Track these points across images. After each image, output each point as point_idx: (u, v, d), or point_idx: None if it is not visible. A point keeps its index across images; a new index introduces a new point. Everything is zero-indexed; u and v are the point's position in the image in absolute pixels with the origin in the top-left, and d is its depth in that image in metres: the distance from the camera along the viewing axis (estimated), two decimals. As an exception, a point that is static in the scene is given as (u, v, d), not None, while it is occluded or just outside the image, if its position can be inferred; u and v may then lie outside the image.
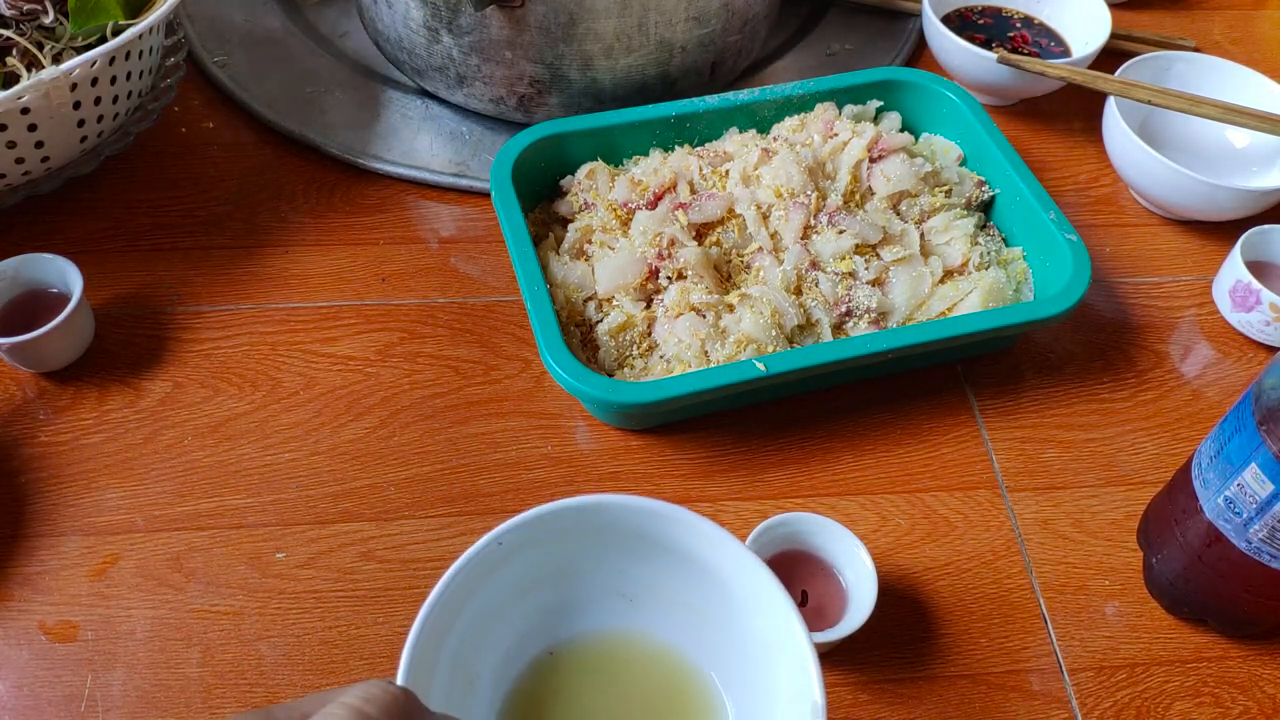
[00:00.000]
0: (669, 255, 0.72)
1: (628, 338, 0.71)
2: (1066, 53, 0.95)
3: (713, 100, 0.80)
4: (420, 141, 0.87)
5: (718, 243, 0.74)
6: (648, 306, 0.72)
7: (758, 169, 0.76)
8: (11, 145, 0.71)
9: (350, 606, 0.62)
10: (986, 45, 0.93)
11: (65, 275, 0.71)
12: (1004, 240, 0.79)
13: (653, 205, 0.75)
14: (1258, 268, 0.79)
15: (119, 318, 0.75)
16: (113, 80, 0.74)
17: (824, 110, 0.81)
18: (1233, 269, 0.78)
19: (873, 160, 0.78)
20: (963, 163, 0.82)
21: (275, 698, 0.59)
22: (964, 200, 0.79)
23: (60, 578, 0.63)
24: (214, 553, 0.64)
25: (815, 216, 0.74)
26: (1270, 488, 0.53)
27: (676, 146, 0.81)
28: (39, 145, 0.73)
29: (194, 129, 0.88)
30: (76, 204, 0.81)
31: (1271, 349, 0.79)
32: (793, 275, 0.72)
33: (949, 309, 0.72)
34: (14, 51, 0.72)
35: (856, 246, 0.73)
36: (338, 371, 0.73)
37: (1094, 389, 0.76)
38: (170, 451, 0.68)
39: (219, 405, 0.71)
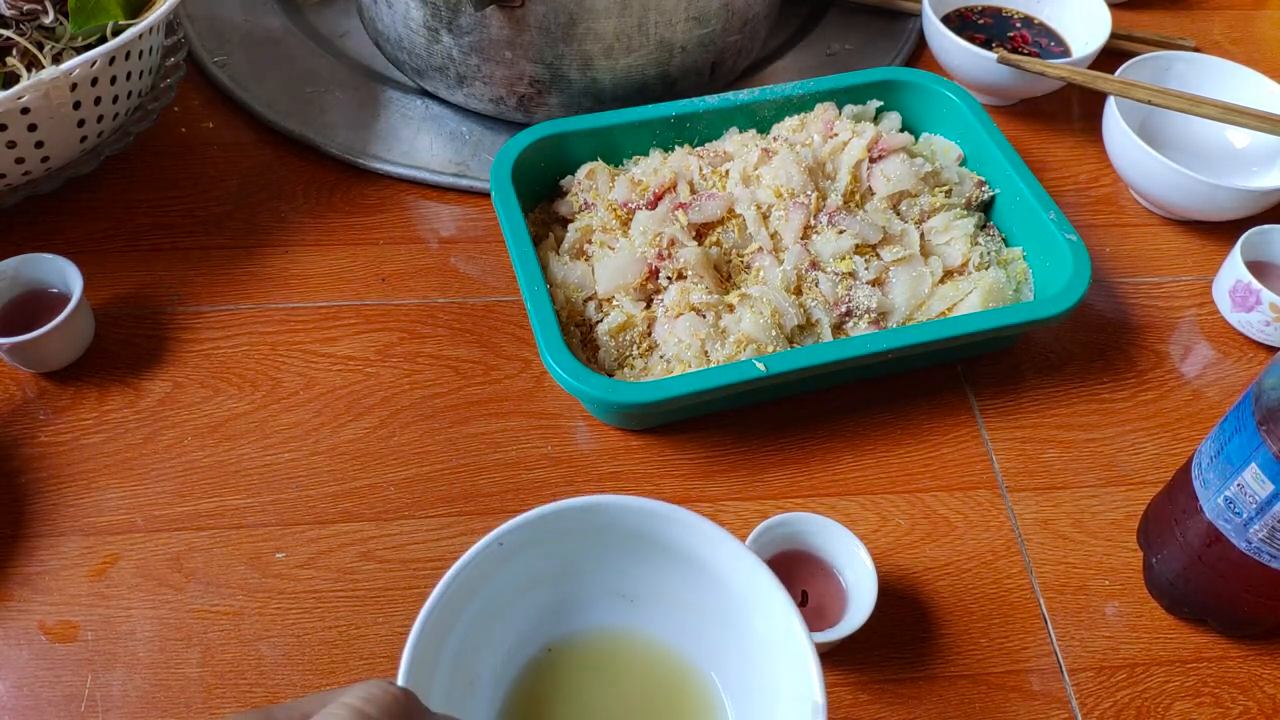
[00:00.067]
0: (669, 255, 0.72)
1: (628, 338, 0.71)
2: (1066, 53, 0.95)
3: (713, 100, 0.80)
4: (420, 141, 0.87)
5: (718, 243, 0.74)
6: (648, 306, 0.72)
7: (758, 169, 0.76)
8: (11, 145, 0.71)
9: (350, 606, 0.62)
10: (986, 45, 0.93)
11: (65, 275, 0.71)
12: (1004, 240, 0.79)
13: (653, 205, 0.75)
14: (1258, 268, 0.79)
15: (119, 318, 0.75)
16: (113, 80, 0.74)
17: (824, 110, 0.81)
18: (1233, 269, 0.78)
19: (873, 160, 0.78)
20: (963, 163, 0.82)
21: (275, 698, 0.59)
22: (964, 200, 0.79)
23: (60, 578, 0.63)
24: (214, 553, 0.64)
25: (815, 216, 0.74)
26: (1270, 488, 0.53)
27: (676, 146, 0.81)
28: (39, 145, 0.73)
29: (194, 129, 0.88)
30: (76, 204, 0.81)
31: (1271, 349, 0.79)
32: (793, 275, 0.72)
33: (949, 309, 0.72)
34: (14, 51, 0.72)
35: (856, 246, 0.73)
36: (338, 371, 0.73)
37: (1094, 389, 0.76)
38: (170, 451, 0.68)
39: (219, 405, 0.71)
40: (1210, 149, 0.90)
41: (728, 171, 0.77)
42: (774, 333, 0.69)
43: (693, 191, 0.75)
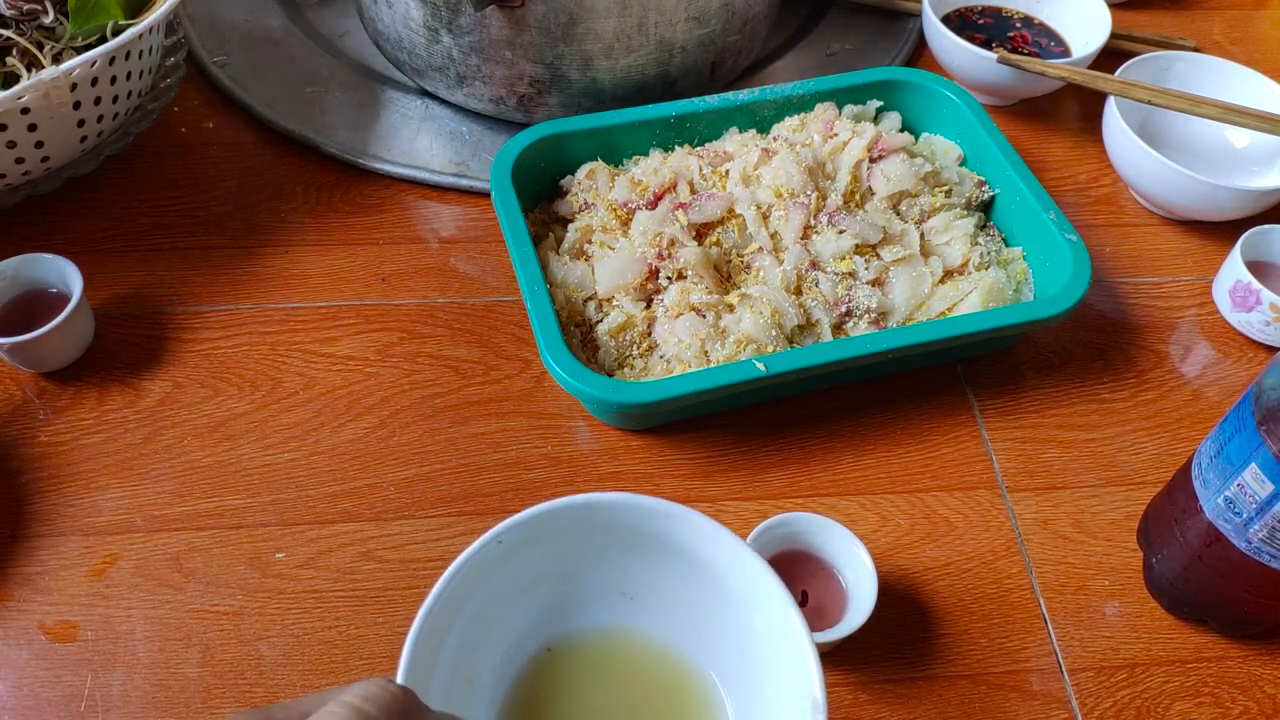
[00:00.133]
0: (669, 255, 0.72)
1: (628, 338, 0.71)
2: (1066, 53, 0.95)
3: (713, 100, 0.80)
4: (420, 141, 0.87)
5: (718, 243, 0.74)
6: (648, 306, 0.72)
7: (758, 169, 0.76)
8: (11, 145, 0.71)
9: (350, 606, 0.62)
10: (986, 45, 0.93)
11: (65, 275, 0.71)
12: (1004, 240, 0.79)
13: (653, 205, 0.75)
14: (1258, 268, 0.79)
15: (119, 318, 0.75)
16: (113, 80, 0.74)
17: (824, 110, 0.81)
18: (1233, 269, 0.78)
19: (873, 160, 0.78)
20: (963, 163, 0.82)
21: (275, 698, 0.59)
22: (964, 200, 0.79)
23: (60, 578, 0.62)
24: (214, 553, 0.64)
25: (815, 216, 0.74)
26: (1270, 488, 0.53)
27: (676, 146, 0.81)
28: (39, 145, 0.73)
29: (194, 129, 0.88)
30: (76, 204, 0.81)
31: (1271, 349, 0.79)
32: (793, 275, 0.72)
33: (949, 309, 0.72)
34: (14, 51, 0.72)
35: (856, 246, 0.73)
36: (337, 371, 0.73)
37: (1094, 389, 0.76)
38: (170, 451, 0.68)
39: (219, 405, 0.71)
40: (1210, 149, 0.90)
41: (728, 171, 0.77)
42: (774, 333, 0.69)
43: (693, 191, 0.75)
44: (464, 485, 0.68)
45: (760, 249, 0.73)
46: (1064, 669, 0.62)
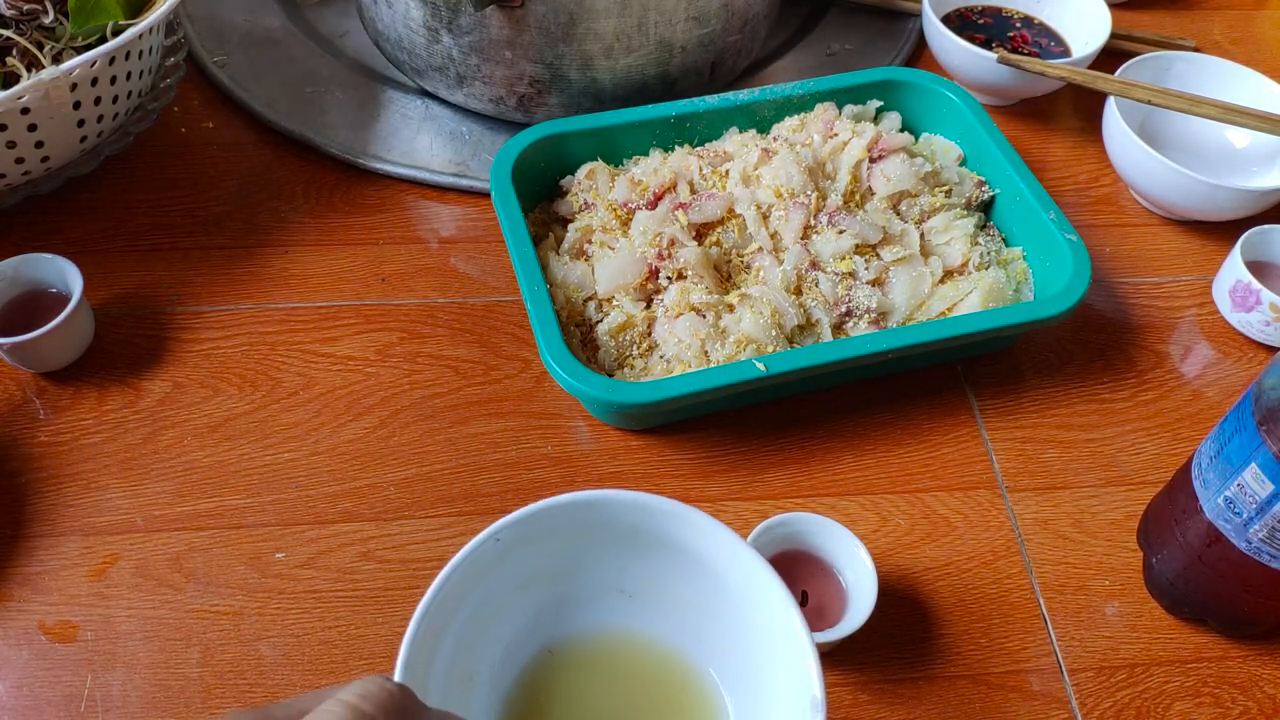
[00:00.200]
0: (669, 255, 0.72)
1: (628, 338, 0.71)
2: (1066, 53, 0.95)
3: (713, 100, 0.80)
4: (420, 141, 0.87)
5: (718, 243, 0.74)
6: (648, 306, 0.72)
7: (758, 169, 0.76)
8: (11, 145, 0.71)
9: (350, 606, 0.62)
10: (986, 45, 0.93)
11: (65, 275, 0.71)
12: (1004, 240, 0.79)
13: (653, 205, 0.75)
14: (1258, 268, 0.79)
15: (119, 318, 0.75)
16: (113, 80, 0.74)
17: (824, 110, 0.81)
18: (1233, 269, 0.78)
19: (873, 160, 0.78)
20: (963, 163, 0.82)
21: (275, 698, 0.59)
22: (964, 200, 0.79)
23: (60, 578, 0.62)
24: (214, 553, 0.64)
25: (815, 216, 0.74)
26: (1270, 488, 0.53)
27: (676, 146, 0.81)
28: (39, 145, 0.73)
29: (194, 129, 0.88)
30: (76, 204, 0.81)
31: (1271, 349, 0.79)
32: (793, 275, 0.72)
33: (949, 309, 0.72)
34: (14, 51, 0.72)
35: (856, 246, 0.73)
36: (337, 371, 0.73)
37: (1094, 389, 0.76)
38: (170, 451, 0.68)
39: (219, 405, 0.71)
40: (1210, 149, 0.90)
41: (728, 171, 0.77)
42: (774, 333, 0.69)
43: (693, 191, 0.75)
44: (464, 485, 0.68)
45: (760, 249, 0.73)
46: (1064, 669, 0.62)
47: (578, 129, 0.78)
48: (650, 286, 0.72)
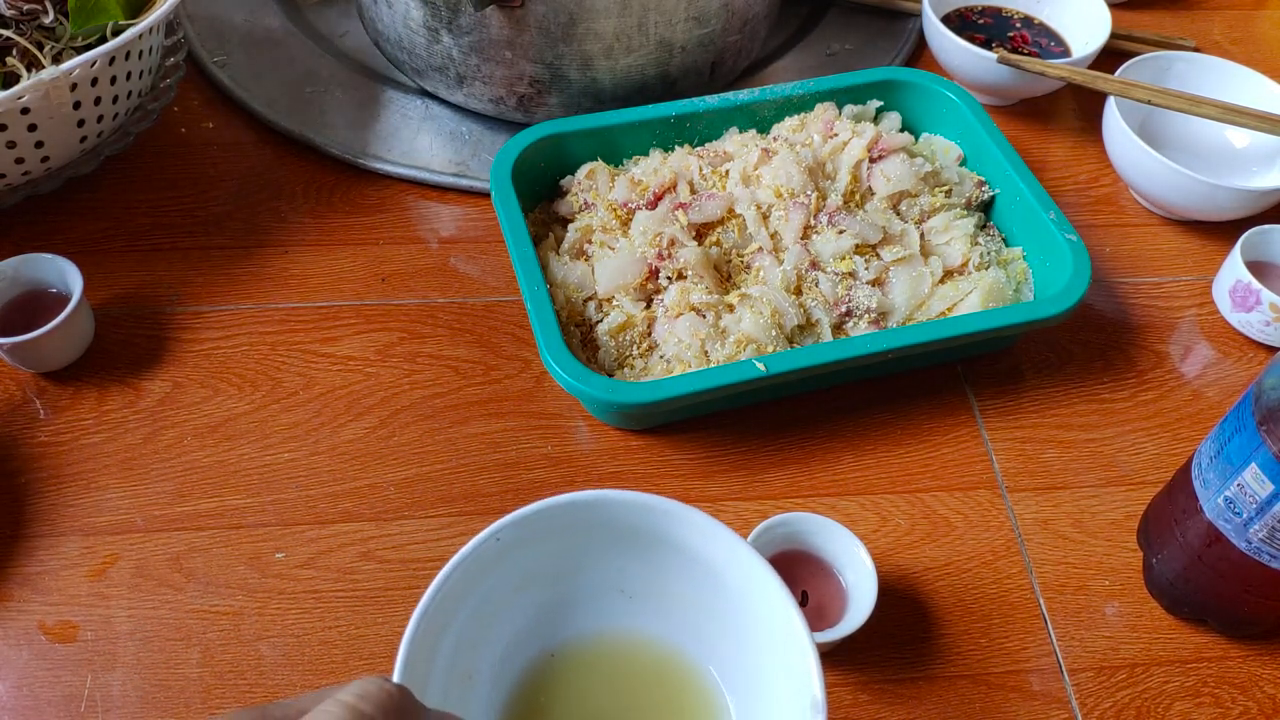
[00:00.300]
0: (669, 255, 0.72)
1: (628, 338, 0.71)
2: (1066, 53, 0.95)
3: (713, 100, 0.80)
4: (420, 141, 0.87)
5: (718, 243, 0.74)
6: (648, 306, 0.72)
7: (758, 169, 0.76)
8: (11, 145, 0.71)
9: (350, 606, 0.62)
10: (986, 45, 0.93)
11: (65, 275, 0.71)
12: (1004, 240, 0.79)
13: (653, 205, 0.75)
14: (1258, 268, 0.79)
15: (119, 318, 0.75)
16: (113, 80, 0.74)
17: (824, 110, 0.81)
18: (1233, 269, 0.78)
19: (873, 160, 0.78)
20: (963, 163, 0.82)
21: (275, 698, 0.59)
22: (964, 200, 0.79)
23: (60, 578, 0.63)
24: (214, 553, 0.64)
25: (815, 216, 0.74)
26: (1270, 488, 0.53)
27: (676, 146, 0.81)
28: (39, 145, 0.73)
29: (194, 129, 0.88)
30: (76, 204, 0.81)
31: (1271, 349, 0.79)
32: (793, 275, 0.72)
33: (949, 309, 0.72)
34: (14, 51, 0.72)
35: (856, 246, 0.73)
36: (337, 371, 0.73)
37: (1094, 389, 0.75)
38: (170, 451, 0.68)
39: (219, 405, 0.71)
40: (1210, 149, 0.90)
41: (728, 171, 0.77)
42: (774, 333, 0.69)
43: (693, 191, 0.75)
44: (464, 485, 0.68)
45: (760, 249, 0.73)
46: (1064, 669, 0.62)
47: (578, 129, 0.78)
48: (650, 286, 0.72)
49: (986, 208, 0.81)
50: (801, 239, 0.73)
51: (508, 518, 0.46)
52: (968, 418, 0.73)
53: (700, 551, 0.48)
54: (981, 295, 0.72)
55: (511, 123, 0.88)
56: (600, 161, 0.78)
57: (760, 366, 0.65)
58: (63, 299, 0.70)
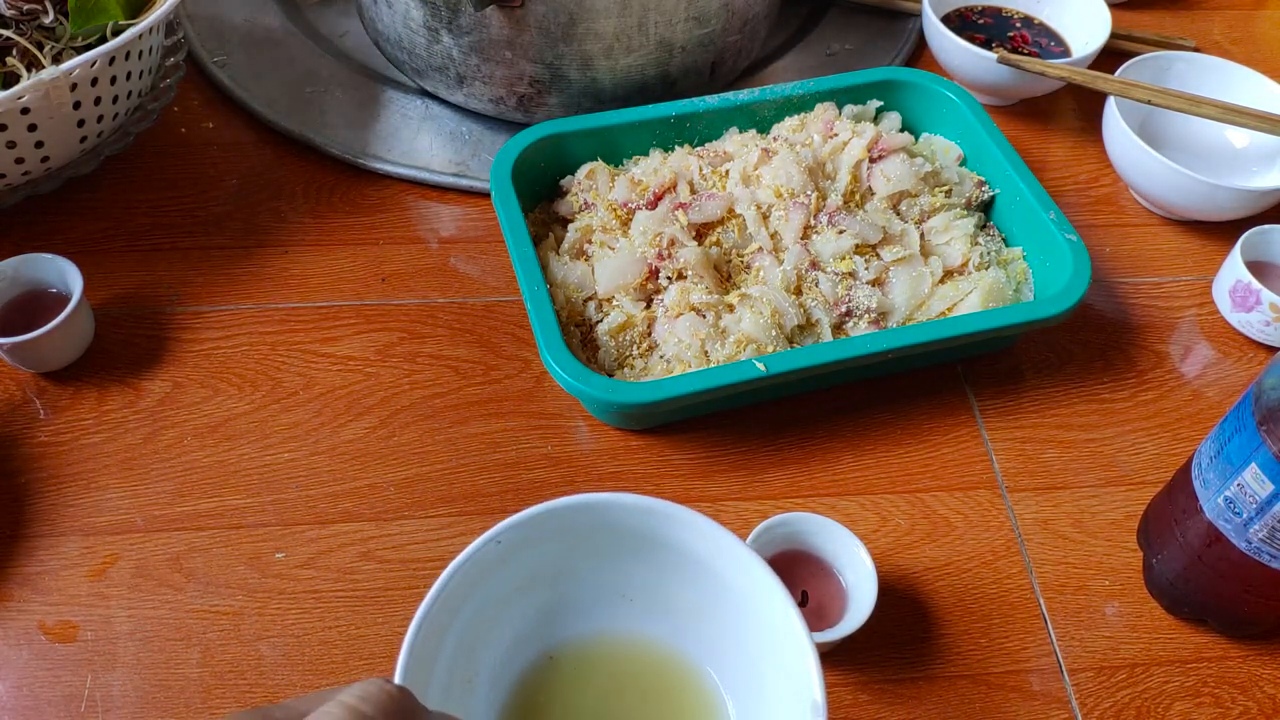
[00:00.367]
0: (669, 255, 0.72)
1: (628, 338, 0.71)
2: (1066, 53, 0.95)
3: (713, 100, 0.80)
4: (420, 141, 0.87)
5: (718, 243, 0.74)
6: (648, 306, 0.72)
7: (758, 169, 0.76)
8: (11, 145, 0.71)
9: (350, 606, 0.62)
10: (986, 45, 0.93)
11: (65, 275, 0.71)
12: (1004, 240, 0.79)
13: (653, 205, 0.75)
14: (1258, 268, 0.79)
15: (119, 318, 0.75)
16: (113, 80, 0.74)
17: (824, 110, 0.81)
18: (1233, 269, 0.78)
19: (873, 160, 0.78)
20: (963, 163, 0.82)
21: (275, 698, 0.59)
22: (964, 200, 0.79)
23: (60, 578, 0.63)
24: (214, 553, 0.64)
25: (815, 216, 0.74)
26: (1270, 488, 0.53)
27: (676, 146, 0.81)
28: (39, 145, 0.73)
29: (194, 129, 0.88)
30: (76, 204, 0.81)
31: (1271, 349, 0.79)
32: (793, 275, 0.72)
33: (949, 309, 0.72)
34: (14, 51, 0.72)
35: (856, 246, 0.73)
36: (337, 371, 0.73)
37: (1094, 389, 0.76)
38: (170, 451, 0.68)
39: (219, 405, 0.71)
40: (1210, 149, 0.90)
41: (728, 171, 0.77)
42: (774, 333, 0.69)
43: (693, 191, 0.75)
44: (464, 485, 0.68)
45: (760, 249, 0.73)
46: (1064, 669, 0.62)
47: (578, 129, 0.78)
48: (650, 286, 0.72)
49: (986, 208, 0.81)
50: (801, 239, 0.73)
51: (509, 520, 0.46)
52: (968, 418, 0.73)
53: (701, 554, 0.48)
54: (981, 295, 0.72)
55: (511, 123, 0.88)
56: (600, 161, 0.78)
57: (760, 366, 0.65)
58: (63, 299, 0.70)
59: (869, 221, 0.74)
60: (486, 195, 0.84)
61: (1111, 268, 0.83)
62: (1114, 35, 0.94)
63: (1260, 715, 0.61)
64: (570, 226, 0.76)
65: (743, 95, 0.81)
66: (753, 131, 0.81)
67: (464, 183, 0.84)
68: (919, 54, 1.00)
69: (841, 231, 0.73)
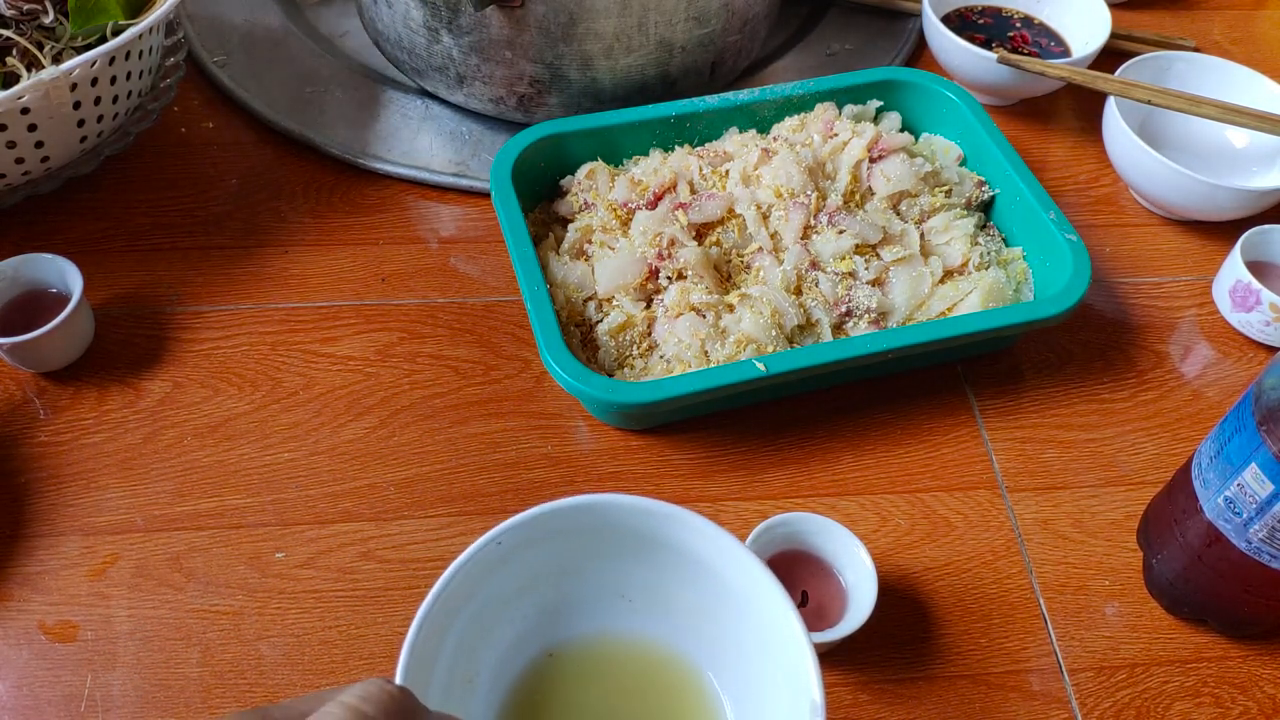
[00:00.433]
0: (669, 255, 0.72)
1: (628, 338, 0.71)
2: (1066, 53, 0.95)
3: (713, 100, 0.80)
4: (420, 141, 0.87)
5: (718, 243, 0.74)
6: (648, 306, 0.72)
7: (758, 169, 0.76)
8: (11, 145, 0.71)
9: (350, 606, 0.62)
10: (986, 45, 0.93)
11: (65, 275, 0.71)
12: (1004, 240, 0.79)
13: (653, 205, 0.75)
14: (1258, 268, 0.79)
15: (119, 318, 0.75)
16: (113, 80, 0.74)
17: (824, 110, 0.81)
18: (1233, 269, 0.78)
19: (873, 160, 0.78)
20: (963, 163, 0.82)
21: (275, 698, 0.59)
22: (964, 200, 0.79)
23: (60, 578, 0.63)
24: (214, 553, 0.64)
25: (815, 216, 0.74)
26: (1270, 488, 0.53)
27: (676, 146, 0.81)
28: (39, 145, 0.73)
29: (194, 129, 0.88)
30: (76, 204, 0.81)
31: (1271, 349, 0.79)
32: (793, 275, 0.72)
33: (949, 309, 0.72)
34: (14, 51, 0.72)
35: (856, 246, 0.73)
36: (337, 371, 0.73)
37: (1094, 389, 0.76)
38: (170, 451, 0.68)
39: (219, 405, 0.71)
40: (1210, 149, 0.90)
41: (728, 171, 0.77)
42: (774, 333, 0.69)
43: (693, 191, 0.75)
44: (464, 485, 0.68)
45: (760, 249, 0.73)
46: (1064, 669, 0.62)
47: (578, 129, 0.78)
48: (650, 286, 0.72)
49: (986, 208, 0.81)
50: (801, 239, 0.73)
51: (509, 521, 0.46)
52: (968, 418, 0.73)
53: (700, 554, 0.48)
54: (981, 295, 0.72)
55: (511, 123, 0.88)
56: (600, 161, 0.78)
57: (760, 366, 0.65)
58: (63, 299, 0.70)
59: (869, 221, 0.74)
60: (486, 195, 0.84)
61: (1111, 268, 0.83)
62: (1114, 35, 0.94)
63: (1260, 715, 0.61)
64: (570, 226, 0.76)
65: (743, 95, 0.81)
66: (753, 131, 0.81)
67: (464, 183, 0.84)
68: (919, 54, 1.00)
69: (841, 231, 0.73)
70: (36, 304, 0.71)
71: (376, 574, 0.64)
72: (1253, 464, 0.54)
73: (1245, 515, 0.55)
